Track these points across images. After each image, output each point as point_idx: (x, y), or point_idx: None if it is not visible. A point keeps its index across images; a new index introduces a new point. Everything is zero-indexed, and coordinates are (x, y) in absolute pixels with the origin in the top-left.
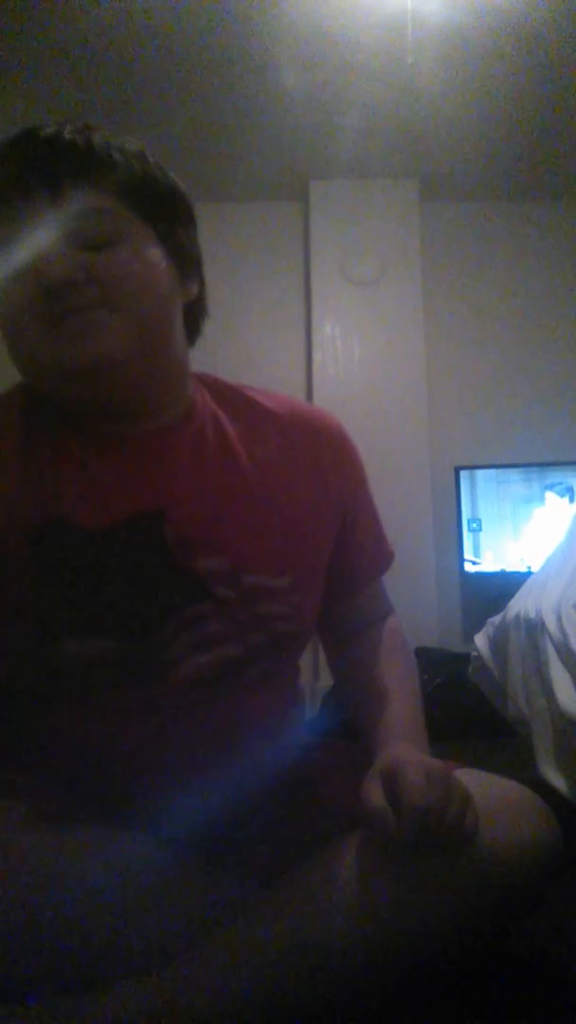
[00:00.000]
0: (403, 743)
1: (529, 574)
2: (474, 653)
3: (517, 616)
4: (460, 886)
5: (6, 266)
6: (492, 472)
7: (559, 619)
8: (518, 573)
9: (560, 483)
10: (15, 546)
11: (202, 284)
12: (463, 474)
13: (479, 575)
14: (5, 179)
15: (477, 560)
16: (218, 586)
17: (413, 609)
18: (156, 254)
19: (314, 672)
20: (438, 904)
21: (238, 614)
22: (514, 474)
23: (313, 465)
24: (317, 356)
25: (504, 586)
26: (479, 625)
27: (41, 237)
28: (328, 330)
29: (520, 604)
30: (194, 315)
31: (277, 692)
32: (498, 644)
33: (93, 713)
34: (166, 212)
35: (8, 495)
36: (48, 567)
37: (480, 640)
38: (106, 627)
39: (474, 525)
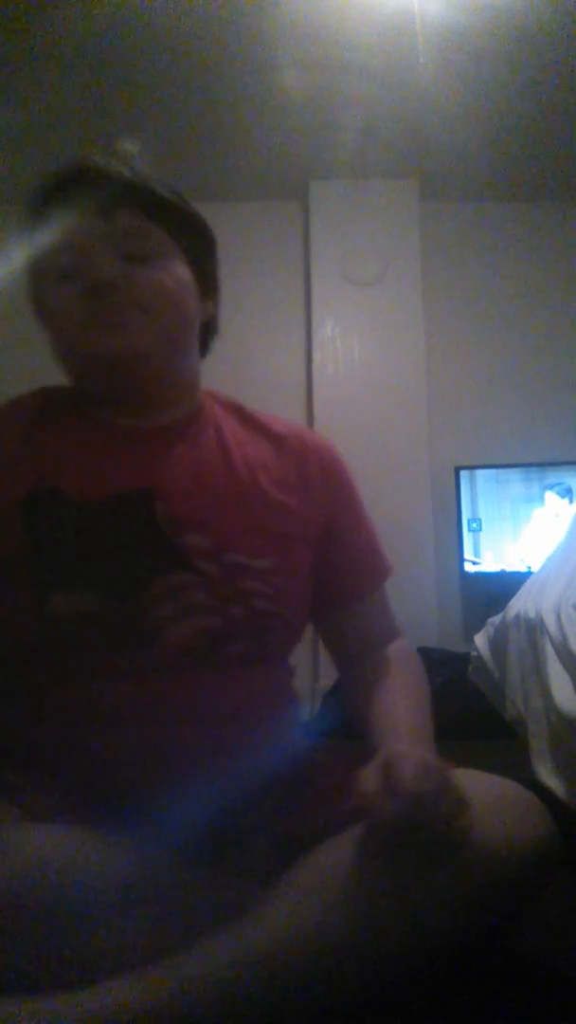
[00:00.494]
0: (406, 740)
1: (529, 574)
2: (474, 653)
3: (517, 616)
4: (456, 883)
5: (62, 268)
6: (492, 472)
7: (559, 619)
8: (518, 573)
9: (560, 483)
10: (10, 511)
11: (216, 306)
12: (463, 474)
13: (479, 575)
14: (65, 200)
15: (477, 560)
16: (201, 560)
17: (413, 609)
18: (183, 272)
19: (314, 673)
20: (434, 901)
21: (219, 587)
22: (514, 474)
23: (299, 473)
24: (317, 356)
25: (504, 586)
26: (479, 625)
27: (93, 247)
28: (328, 330)
29: (520, 604)
30: (206, 333)
31: (263, 676)
32: (498, 644)
33: (82, 677)
34: (194, 238)
35: (9, 466)
36: (40, 531)
37: (480, 640)
38: (93, 585)
39: (474, 525)
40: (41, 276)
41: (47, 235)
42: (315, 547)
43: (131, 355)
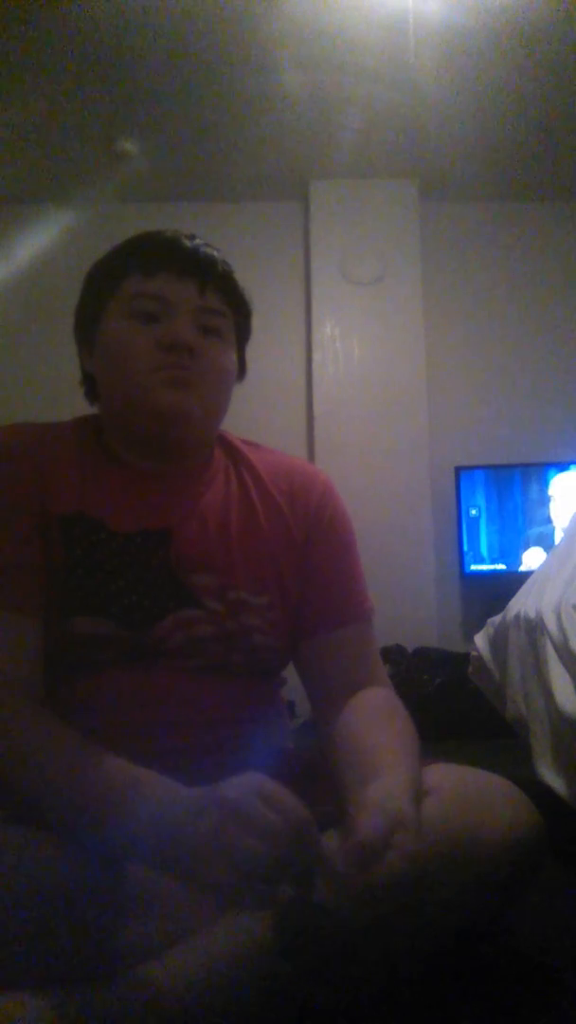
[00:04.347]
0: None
1: (529, 574)
2: (474, 653)
3: (517, 616)
4: (441, 875)
5: (144, 310)
6: (492, 472)
7: (559, 619)
8: (518, 573)
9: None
10: (53, 525)
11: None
12: (463, 474)
13: (479, 575)
14: (167, 263)
15: (477, 560)
16: (208, 598)
17: (413, 609)
18: (233, 356)
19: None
20: (424, 894)
21: (224, 622)
22: (514, 474)
23: (295, 509)
24: (317, 356)
25: (504, 586)
26: (479, 625)
27: (182, 309)
28: (328, 330)
29: (520, 604)
30: None
31: (254, 686)
32: (498, 644)
33: (99, 684)
34: (245, 328)
35: (57, 485)
36: (75, 551)
37: (480, 640)
38: (111, 613)
39: (474, 525)
40: (116, 311)
41: (141, 280)
42: (297, 576)
43: (184, 414)
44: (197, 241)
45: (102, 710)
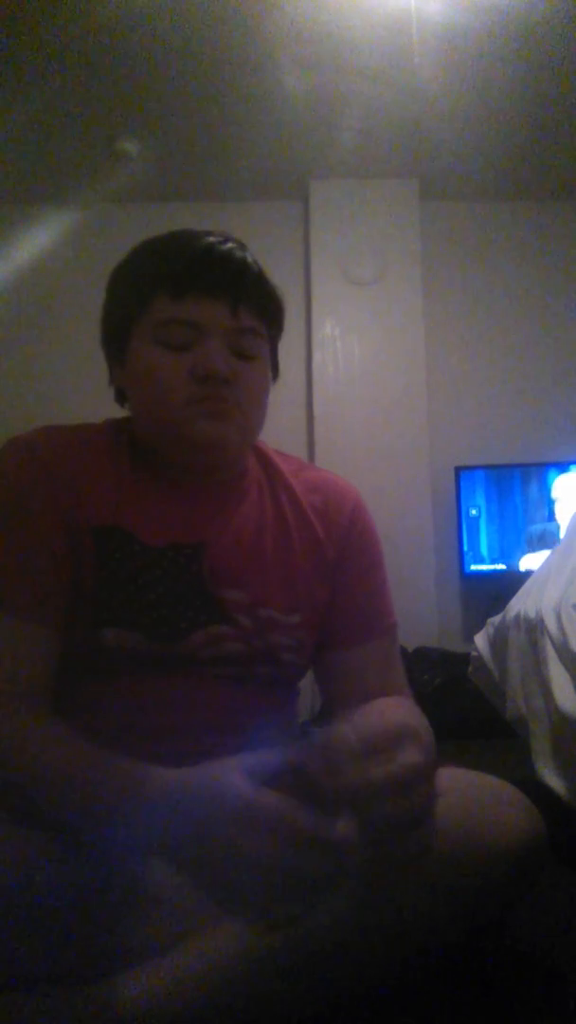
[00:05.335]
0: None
1: (529, 574)
2: (474, 653)
3: (517, 616)
4: (444, 880)
5: (175, 339)
6: (492, 472)
7: (559, 619)
8: (518, 573)
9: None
10: (85, 535)
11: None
12: (463, 474)
13: (479, 575)
14: (197, 279)
15: (478, 560)
16: (238, 614)
17: (413, 609)
18: (268, 370)
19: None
20: (423, 898)
21: (253, 640)
22: (514, 474)
23: (327, 525)
24: (317, 356)
25: (504, 586)
26: (479, 625)
27: (215, 335)
28: (328, 330)
29: (520, 604)
30: None
31: (273, 695)
32: (498, 644)
33: (119, 688)
34: (279, 332)
35: (90, 499)
36: (107, 564)
37: (480, 640)
38: (141, 626)
39: (474, 525)
40: (146, 333)
41: (169, 303)
42: (327, 593)
43: (222, 445)
44: (229, 246)
45: (119, 713)
